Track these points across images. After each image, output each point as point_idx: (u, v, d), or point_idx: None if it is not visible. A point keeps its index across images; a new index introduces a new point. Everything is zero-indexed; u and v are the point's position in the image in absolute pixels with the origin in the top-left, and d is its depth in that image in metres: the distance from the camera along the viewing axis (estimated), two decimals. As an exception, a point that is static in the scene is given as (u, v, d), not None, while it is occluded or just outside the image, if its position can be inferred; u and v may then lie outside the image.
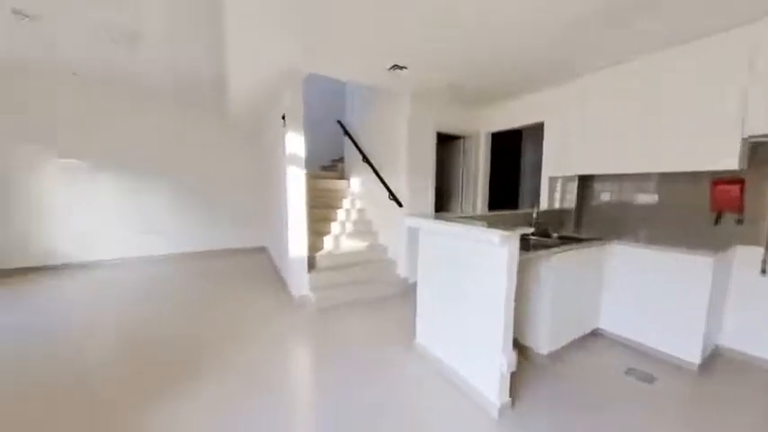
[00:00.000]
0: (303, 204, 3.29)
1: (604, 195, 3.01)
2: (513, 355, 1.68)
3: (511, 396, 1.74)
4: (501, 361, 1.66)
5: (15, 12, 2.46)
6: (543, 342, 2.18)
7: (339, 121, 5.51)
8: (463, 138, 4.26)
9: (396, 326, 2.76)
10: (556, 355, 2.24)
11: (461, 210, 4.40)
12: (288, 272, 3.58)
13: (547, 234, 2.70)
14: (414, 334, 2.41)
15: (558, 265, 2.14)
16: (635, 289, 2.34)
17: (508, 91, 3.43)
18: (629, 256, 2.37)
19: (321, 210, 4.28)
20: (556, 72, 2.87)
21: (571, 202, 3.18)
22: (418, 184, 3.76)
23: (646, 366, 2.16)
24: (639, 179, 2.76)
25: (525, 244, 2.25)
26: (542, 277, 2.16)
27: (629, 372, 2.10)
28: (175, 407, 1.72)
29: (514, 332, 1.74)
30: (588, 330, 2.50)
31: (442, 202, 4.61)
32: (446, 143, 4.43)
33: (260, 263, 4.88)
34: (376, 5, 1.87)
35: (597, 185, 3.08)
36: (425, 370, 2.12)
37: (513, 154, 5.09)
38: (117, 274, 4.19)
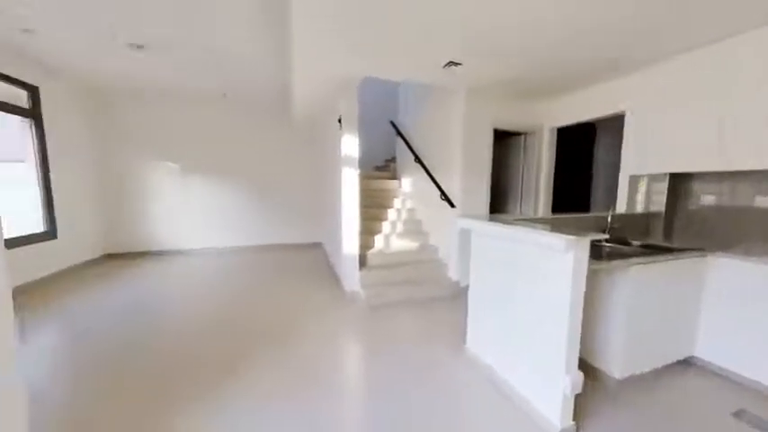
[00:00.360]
0: (356, 204, 3.41)
1: (707, 198, 2.49)
2: (579, 376, 1.50)
3: (575, 420, 1.56)
4: (564, 381, 1.50)
5: (131, 45, 3.04)
6: (617, 365, 1.90)
7: (392, 122, 5.58)
8: (524, 134, 3.95)
9: (445, 329, 2.69)
10: (633, 382, 1.94)
11: (520, 212, 4.09)
12: (341, 268, 3.75)
13: (625, 241, 2.35)
14: (464, 339, 2.32)
15: (638, 277, 1.85)
16: (749, 313, 1.89)
17: (581, 79, 3.06)
18: (741, 271, 1.93)
19: (373, 209, 4.39)
20: (647, 51, 2.47)
21: (659, 204, 2.71)
22: (472, 183, 3.61)
23: (763, 410, 1.74)
24: (761, 178, 2.21)
25: (597, 252, 1.99)
26: (618, 291, 1.88)
27: (739, 414, 1.71)
28: (234, 391, 1.95)
29: (581, 350, 1.56)
30: (679, 357, 2.11)
31: (499, 204, 4.34)
32: (504, 140, 4.16)
33: (316, 258, 5.21)
34: (433, 3, 1.85)
35: (696, 185, 2.56)
36: (476, 378, 2.02)
37: (583, 150, 4.54)
38: (200, 262, 4.89)
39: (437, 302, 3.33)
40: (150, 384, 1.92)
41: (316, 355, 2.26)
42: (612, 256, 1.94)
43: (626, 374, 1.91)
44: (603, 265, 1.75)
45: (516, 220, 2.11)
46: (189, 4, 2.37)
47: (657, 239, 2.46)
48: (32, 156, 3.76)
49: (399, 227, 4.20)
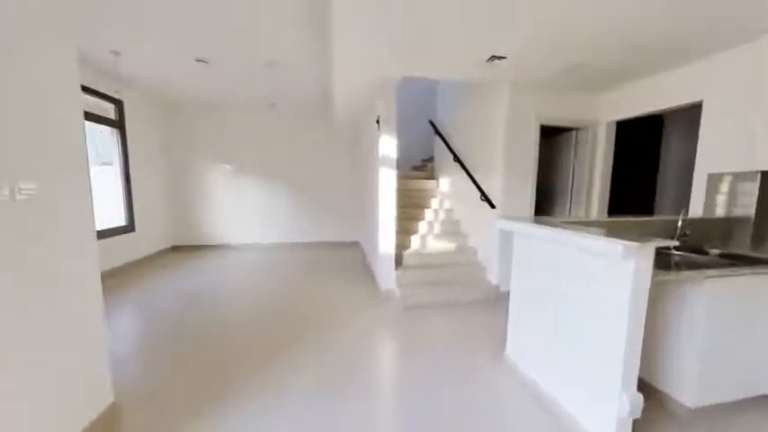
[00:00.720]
0: (393, 204, 3.43)
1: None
2: (638, 398, 1.34)
3: (632, 448, 1.40)
4: (621, 401, 1.35)
5: (197, 60, 3.40)
6: (687, 391, 1.66)
7: (431, 121, 5.50)
8: (575, 129, 3.64)
9: (483, 334, 2.59)
10: (708, 413, 1.68)
11: (569, 214, 3.77)
12: (377, 266, 3.80)
13: (700, 250, 2.05)
14: (503, 346, 2.21)
15: (715, 291, 1.59)
16: None
17: (648, 65, 2.73)
18: None
19: (410, 209, 4.37)
20: (731, 30, 2.13)
21: (747, 207, 2.31)
22: (515, 183, 3.41)
23: None
24: None
25: (664, 260, 1.76)
26: (689, 306, 1.64)
27: None
28: (274, 381, 2.06)
29: (642, 370, 1.39)
30: (771, 390, 1.78)
31: (545, 205, 4.05)
32: (552, 136, 3.87)
33: (354, 256, 5.34)
34: (474, -4, 1.79)
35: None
36: (516, 388, 1.91)
37: (647, 146, 4.06)
38: (248, 256, 5.29)
39: (475, 306, 3.21)
40: (205, 364, 2.13)
41: (350, 352, 2.32)
42: (682, 265, 1.70)
43: (699, 403, 1.66)
44: (672, 275, 1.54)
45: (564, 222, 1.95)
46: (244, 23, 2.58)
47: (743, 249, 2.10)
48: (117, 160, 4.39)
49: (437, 227, 4.13)
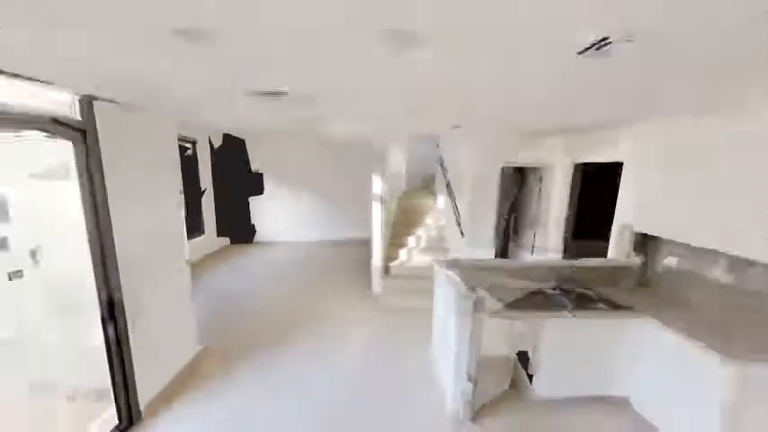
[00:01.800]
0: (380, 231, 4.37)
1: (670, 260, 2.54)
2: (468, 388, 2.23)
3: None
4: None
5: (246, 93, 4.66)
6: (539, 385, 2.45)
7: (438, 144, 6.18)
8: (538, 168, 4.14)
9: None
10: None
11: (535, 241, 4.35)
12: (372, 273, 4.85)
13: (584, 295, 2.52)
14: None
15: (551, 335, 2.32)
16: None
17: (580, 126, 3.22)
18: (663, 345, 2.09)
19: (404, 227, 5.27)
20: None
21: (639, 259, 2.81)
22: (480, 214, 4.13)
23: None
24: (706, 251, 2.23)
25: (542, 300, 2.42)
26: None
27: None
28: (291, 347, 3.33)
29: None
30: None
31: (517, 232, 4.64)
32: (526, 170, 4.40)
33: (369, 253, 6.46)
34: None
35: (663, 247, 2.61)
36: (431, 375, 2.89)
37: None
38: (287, 251, 6.79)
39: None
40: (254, 326, 3.51)
41: (341, 335, 3.49)
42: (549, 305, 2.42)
43: (547, 395, 2.44)
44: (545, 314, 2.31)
45: (475, 261, 2.76)
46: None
47: (625, 293, 2.64)
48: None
49: (423, 242, 4.99)
